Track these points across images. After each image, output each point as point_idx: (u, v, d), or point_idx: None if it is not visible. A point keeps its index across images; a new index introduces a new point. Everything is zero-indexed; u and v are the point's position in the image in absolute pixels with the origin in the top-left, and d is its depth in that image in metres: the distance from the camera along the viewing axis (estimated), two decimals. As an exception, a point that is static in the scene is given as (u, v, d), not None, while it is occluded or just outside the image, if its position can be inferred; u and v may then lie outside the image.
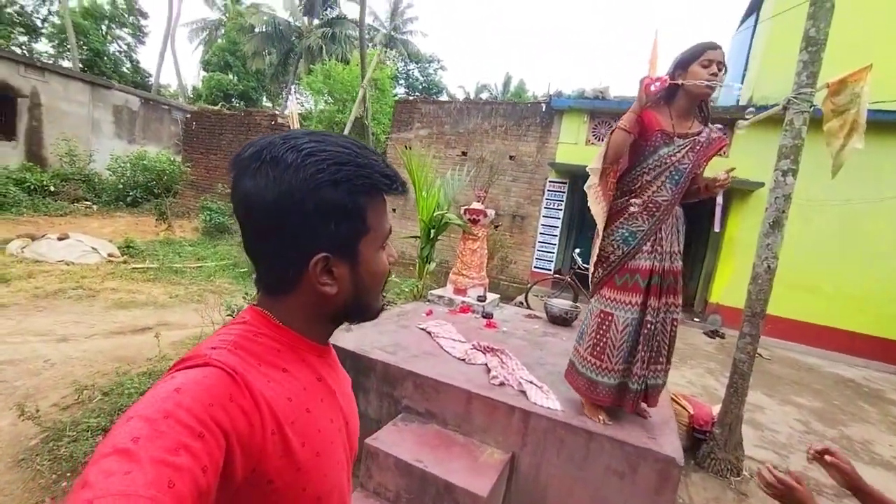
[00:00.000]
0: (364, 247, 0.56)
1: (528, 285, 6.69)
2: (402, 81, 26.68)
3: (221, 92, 21.39)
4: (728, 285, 7.13)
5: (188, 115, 11.66)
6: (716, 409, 3.00)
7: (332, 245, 0.53)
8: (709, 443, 2.87)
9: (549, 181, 7.87)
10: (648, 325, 1.84)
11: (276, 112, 10.92)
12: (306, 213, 0.51)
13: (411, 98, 9.49)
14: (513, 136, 8.08)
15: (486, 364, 2.41)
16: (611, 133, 1.83)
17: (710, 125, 1.94)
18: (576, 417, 1.95)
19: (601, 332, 1.93)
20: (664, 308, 1.88)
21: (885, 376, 6.06)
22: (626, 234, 1.88)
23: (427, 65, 27.11)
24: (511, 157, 8.10)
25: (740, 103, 6.97)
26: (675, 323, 1.94)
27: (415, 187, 4.02)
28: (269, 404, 0.48)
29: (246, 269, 7.43)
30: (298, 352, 0.57)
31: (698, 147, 1.85)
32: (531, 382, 2.22)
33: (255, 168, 0.51)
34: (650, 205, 1.85)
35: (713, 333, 6.98)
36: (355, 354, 2.38)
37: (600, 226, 1.94)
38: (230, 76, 22.10)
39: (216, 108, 12.43)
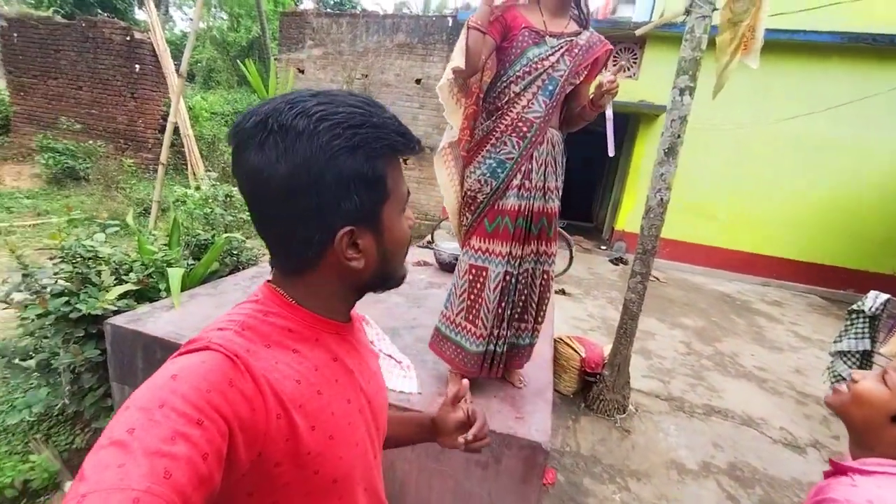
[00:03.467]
0: (387, 214, 0.53)
1: (436, 223, 6.30)
2: (308, -6, 23.17)
3: (71, -3, 16.94)
4: (632, 213, 7.31)
5: (3, 25, 8.95)
6: (607, 350, 2.91)
7: (355, 217, 0.50)
8: (598, 385, 2.79)
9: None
10: (508, 278, 1.51)
11: (131, 25, 8.71)
12: (325, 185, 0.47)
13: (299, 10, 7.95)
14: (418, 57, 7.18)
15: (341, 337, 1.97)
16: (466, 30, 1.35)
17: (590, 29, 1.52)
18: (434, 400, 1.60)
19: (474, 291, 1.56)
20: (532, 257, 1.55)
21: (753, 288, 6.75)
22: (495, 165, 1.48)
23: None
24: (417, 81, 7.26)
25: (653, 20, 6.65)
26: (546, 276, 1.61)
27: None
28: (274, 387, 0.46)
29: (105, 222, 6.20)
30: (313, 331, 0.55)
31: (576, 50, 1.46)
32: (390, 357, 1.83)
33: (262, 139, 0.47)
34: (520, 123, 1.46)
35: (617, 261, 7.24)
36: (165, 343, 1.79)
37: (456, 127, 1.54)
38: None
39: (45, 14, 9.63)
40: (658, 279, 6.39)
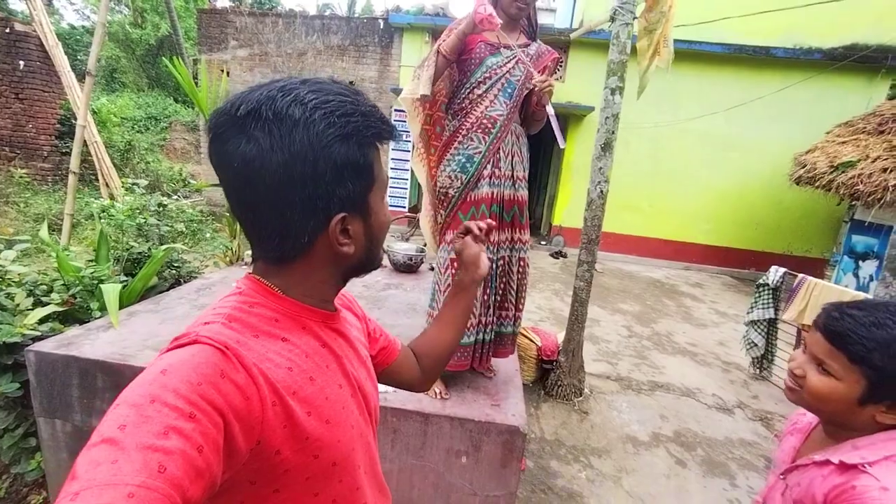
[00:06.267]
0: (373, 199, 0.55)
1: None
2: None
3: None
4: (568, 208, 7.75)
5: None
6: (561, 337, 3.07)
7: (346, 203, 0.51)
8: (556, 371, 2.93)
9: (395, 109, 7.18)
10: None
11: (9, 16, 7.63)
12: (321, 173, 0.48)
13: (219, 7, 7.47)
14: (351, 59, 7.07)
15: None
16: (435, 56, 1.53)
17: (538, 40, 1.70)
18: (410, 398, 1.60)
19: None
20: (507, 244, 1.64)
21: (678, 272, 7.46)
22: (464, 160, 1.58)
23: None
24: (350, 84, 7.13)
25: (573, 27, 7.12)
26: (523, 262, 1.70)
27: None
28: (266, 376, 0.47)
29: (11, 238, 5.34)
30: (298, 319, 0.55)
31: (528, 59, 1.61)
32: (361, 360, 1.80)
33: (256, 128, 0.46)
34: (484, 121, 1.58)
35: (557, 254, 7.63)
36: (108, 366, 1.60)
37: (414, 134, 1.75)
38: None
39: None
40: (597, 270, 6.83)
